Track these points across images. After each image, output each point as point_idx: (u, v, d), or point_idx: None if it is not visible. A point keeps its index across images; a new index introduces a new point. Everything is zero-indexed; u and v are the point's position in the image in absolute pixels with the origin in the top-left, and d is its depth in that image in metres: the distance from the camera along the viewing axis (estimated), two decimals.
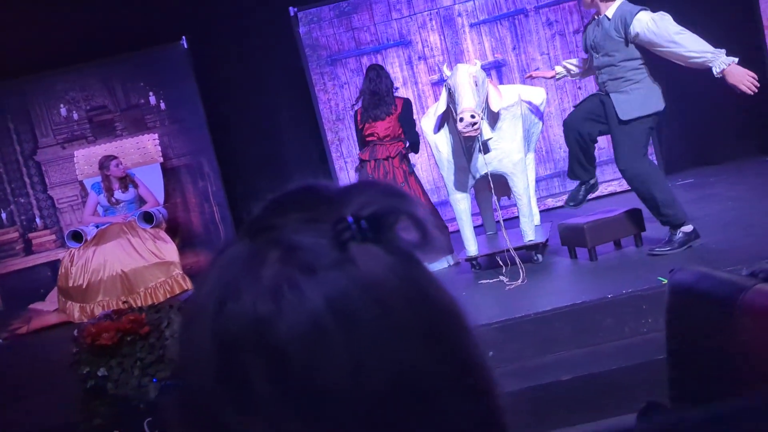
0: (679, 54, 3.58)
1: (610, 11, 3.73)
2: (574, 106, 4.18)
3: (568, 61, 4.48)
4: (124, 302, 4.53)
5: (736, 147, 6.22)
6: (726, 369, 1.42)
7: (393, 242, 0.49)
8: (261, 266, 0.47)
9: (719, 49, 3.51)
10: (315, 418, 0.45)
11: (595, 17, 3.85)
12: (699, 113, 6.09)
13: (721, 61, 3.47)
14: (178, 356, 0.51)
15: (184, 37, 6.02)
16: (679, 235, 3.73)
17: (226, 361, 0.46)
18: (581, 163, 4.00)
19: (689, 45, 3.54)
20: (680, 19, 3.74)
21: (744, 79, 3.45)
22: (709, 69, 3.51)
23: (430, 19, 6.14)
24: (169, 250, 5.24)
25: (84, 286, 5.16)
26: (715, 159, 6.10)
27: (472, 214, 4.38)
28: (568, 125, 4.02)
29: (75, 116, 6.15)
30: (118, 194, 5.47)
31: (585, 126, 3.90)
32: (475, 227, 4.40)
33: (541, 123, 4.65)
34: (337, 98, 6.25)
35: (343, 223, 0.48)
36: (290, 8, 6.09)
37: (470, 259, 4.30)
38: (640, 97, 3.73)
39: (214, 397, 0.47)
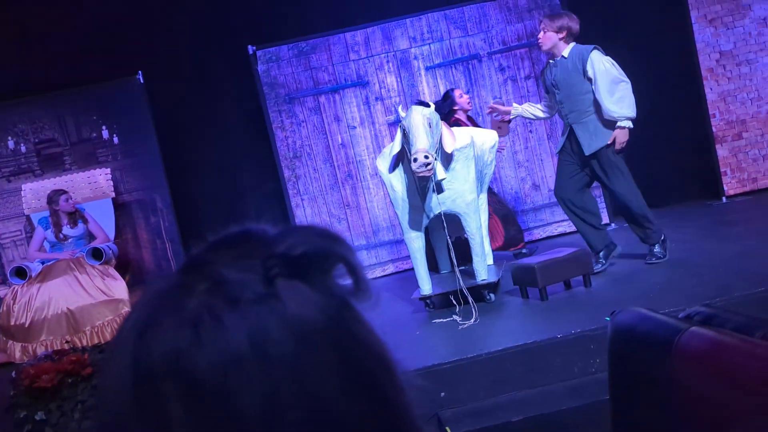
0: (607, 97, 4.12)
1: (566, 52, 4.27)
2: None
3: (530, 104, 4.72)
4: (66, 342, 4.36)
5: (681, 191, 6.47)
6: (664, 411, 1.45)
7: (325, 283, 0.50)
8: (186, 297, 0.48)
9: (632, 113, 4.16)
10: None
11: (550, 61, 4.35)
12: (645, 159, 6.34)
13: (627, 123, 4.14)
14: (99, 384, 0.51)
15: (140, 71, 5.98)
16: (656, 247, 4.36)
17: (142, 389, 0.46)
18: (589, 233, 4.45)
19: (622, 95, 4.12)
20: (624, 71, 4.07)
21: (624, 140, 4.16)
22: (614, 119, 4.15)
23: (387, 61, 6.27)
24: (118, 288, 5.10)
25: (27, 325, 4.95)
26: (660, 202, 6.32)
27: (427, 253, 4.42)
28: (558, 197, 4.53)
29: (23, 149, 6.01)
30: (66, 230, 5.32)
31: (567, 192, 4.41)
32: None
33: (493, 165, 4.76)
34: (294, 136, 6.27)
35: (273, 260, 0.48)
36: (249, 46, 6.13)
37: (424, 298, 4.32)
38: (597, 128, 4.21)
39: (129, 426, 0.46)
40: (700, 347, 1.38)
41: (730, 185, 6.33)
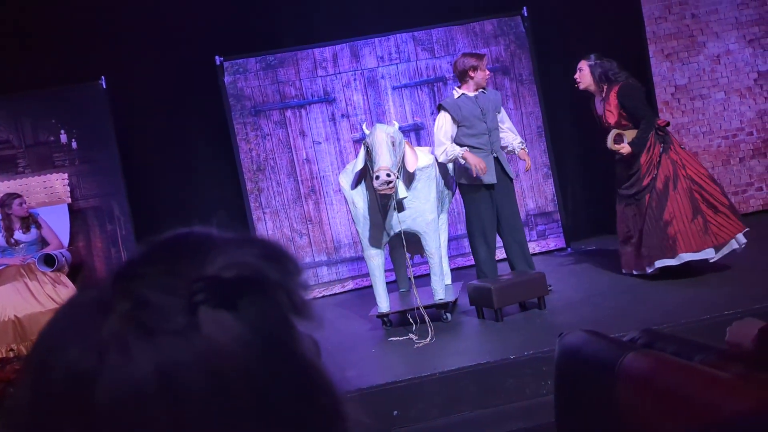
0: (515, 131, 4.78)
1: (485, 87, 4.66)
2: None
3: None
4: (9, 350, 4.23)
5: None
6: (606, 429, 1.49)
7: (255, 311, 0.46)
8: (103, 319, 0.45)
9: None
10: None
11: (479, 91, 4.56)
12: (600, 186, 6.49)
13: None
14: (8, 400, 0.47)
15: (103, 76, 5.90)
16: None
17: (40, 411, 0.44)
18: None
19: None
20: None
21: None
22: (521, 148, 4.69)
23: (355, 79, 6.31)
24: (70, 296, 4.97)
25: None
26: (614, 229, 6.46)
27: (386, 271, 4.44)
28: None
29: None
30: (18, 235, 5.18)
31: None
32: (388, 283, 4.46)
33: (454, 185, 4.82)
34: (258, 148, 6.25)
35: (199, 284, 0.45)
36: (216, 57, 6.11)
37: (381, 316, 4.33)
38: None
39: None
40: (641, 370, 1.42)
41: None
